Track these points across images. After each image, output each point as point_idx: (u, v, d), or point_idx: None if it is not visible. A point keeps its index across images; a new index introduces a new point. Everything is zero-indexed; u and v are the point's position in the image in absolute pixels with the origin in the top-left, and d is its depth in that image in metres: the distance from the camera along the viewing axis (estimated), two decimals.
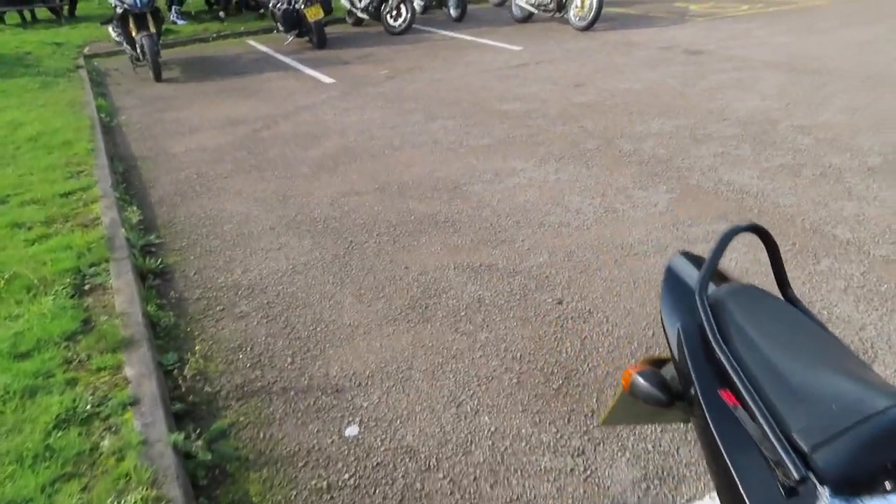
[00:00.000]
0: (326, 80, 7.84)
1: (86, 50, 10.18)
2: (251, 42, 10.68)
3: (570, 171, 4.75)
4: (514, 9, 10.83)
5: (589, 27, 9.54)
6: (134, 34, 8.13)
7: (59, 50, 10.06)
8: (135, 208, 4.38)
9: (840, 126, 5.33)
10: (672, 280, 1.30)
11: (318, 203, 4.46)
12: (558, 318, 3.14)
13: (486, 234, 3.92)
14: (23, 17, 12.81)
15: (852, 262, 3.50)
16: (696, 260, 1.35)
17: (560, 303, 3.24)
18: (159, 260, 3.75)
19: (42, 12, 12.99)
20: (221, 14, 11.86)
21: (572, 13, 9.73)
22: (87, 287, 3.36)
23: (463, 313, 3.19)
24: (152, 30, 8.15)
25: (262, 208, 4.43)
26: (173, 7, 11.79)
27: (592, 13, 9.40)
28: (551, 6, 10.02)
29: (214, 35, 11.05)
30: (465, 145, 5.39)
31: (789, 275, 3.56)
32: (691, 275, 1.28)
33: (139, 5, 7.94)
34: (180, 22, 11.70)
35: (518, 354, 2.90)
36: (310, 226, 4.14)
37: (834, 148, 4.92)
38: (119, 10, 8.08)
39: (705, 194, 4.32)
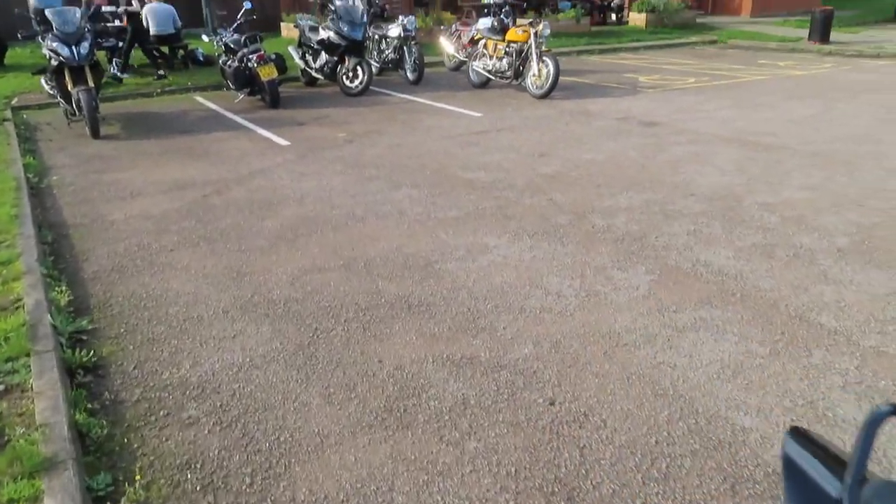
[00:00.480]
0: (281, 141, 7.51)
1: (14, 101, 9.57)
2: (199, 98, 10.30)
3: (544, 249, 4.53)
4: (471, 74, 10.85)
5: (546, 95, 9.60)
6: (70, 88, 7.64)
7: None
8: (64, 287, 3.88)
9: (802, 204, 5.33)
10: (796, 477, 1.01)
11: (276, 282, 4.07)
12: (552, 422, 2.82)
13: (464, 321, 3.61)
14: None
15: (844, 355, 3.34)
16: (814, 445, 1.07)
17: (552, 404, 2.94)
18: (91, 351, 3.26)
19: None
20: (161, 72, 11.45)
21: (529, 81, 9.78)
22: (1, 388, 2.86)
23: (447, 417, 2.85)
24: (90, 84, 7.68)
25: (214, 287, 4.00)
26: (114, 60, 11.31)
27: (549, 82, 9.47)
28: (508, 73, 10.07)
29: (159, 90, 10.62)
30: (433, 217, 5.12)
31: (784, 367, 3.40)
32: (821, 471, 0.99)
33: (77, 58, 7.48)
34: (122, 76, 11.21)
35: (513, 469, 2.56)
36: (268, 309, 3.74)
37: (801, 227, 4.88)
38: (54, 63, 7.59)
39: (685, 276, 4.15)
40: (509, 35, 10.10)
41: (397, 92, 10.58)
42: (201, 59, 12.51)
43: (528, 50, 9.82)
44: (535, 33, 9.66)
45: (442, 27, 13.62)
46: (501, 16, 11.74)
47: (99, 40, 11.13)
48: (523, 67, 10.00)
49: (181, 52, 12.32)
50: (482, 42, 10.65)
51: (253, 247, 4.60)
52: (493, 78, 10.45)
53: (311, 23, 11.30)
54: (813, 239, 4.69)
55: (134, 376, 3.12)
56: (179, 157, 6.91)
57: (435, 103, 9.57)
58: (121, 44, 11.43)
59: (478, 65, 10.63)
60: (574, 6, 18.78)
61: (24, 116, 9.09)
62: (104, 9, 11.86)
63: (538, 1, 19.38)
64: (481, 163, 6.52)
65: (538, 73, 9.64)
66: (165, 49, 12.16)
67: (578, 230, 4.86)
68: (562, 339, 3.44)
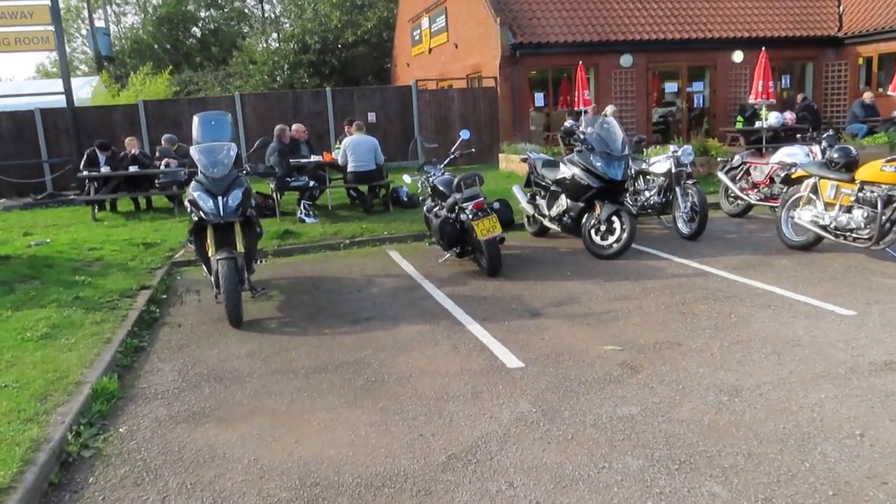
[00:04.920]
0: (508, 358, 4.33)
1: (178, 254, 7.65)
2: (393, 255, 7.70)
3: None
4: (785, 229, 7.11)
5: None
6: (210, 253, 5.28)
7: (141, 255, 7.57)
8: None
9: None
10: None
11: None
12: None
13: None
14: (136, 204, 11.03)
15: None
16: None
17: None
18: None
19: (159, 199, 11.17)
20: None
21: None
22: None
23: None
24: (239, 248, 5.26)
25: None
26: (302, 202, 9.31)
27: None
28: (866, 233, 6.19)
29: (348, 241, 8.26)
30: None
31: None
32: None
33: (221, 213, 5.11)
34: (309, 220, 9.13)
35: None
36: None
37: None
38: (195, 218, 5.31)
39: None
40: (865, 173, 6.32)
41: (668, 253, 7.13)
42: (405, 199, 10.21)
43: None
44: None
45: (720, 158, 10.12)
46: (826, 141, 8.05)
47: (287, 179, 9.29)
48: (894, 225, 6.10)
49: (382, 191, 10.14)
50: (808, 183, 6.94)
51: None
52: (828, 236, 6.62)
53: (545, 156, 8.50)
54: None
55: None
56: (333, 390, 3.97)
57: (746, 280, 5.92)
58: (313, 183, 9.48)
59: (801, 216, 6.88)
60: (872, 130, 14.31)
61: (178, 278, 7.03)
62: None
63: (813, 122, 15.23)
64: None
65: None
66: (364, 188, 10.04)
67: None
68: None
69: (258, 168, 6.25)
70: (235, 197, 5.18)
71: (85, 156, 10.65)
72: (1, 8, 11.62)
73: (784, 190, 8.22)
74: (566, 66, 16.59)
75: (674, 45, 17.17)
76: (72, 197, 12.22)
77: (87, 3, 26.57)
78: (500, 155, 15.29)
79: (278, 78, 26.95)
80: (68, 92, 12.14)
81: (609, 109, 13.37)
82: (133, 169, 10.36)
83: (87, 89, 18.12)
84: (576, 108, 14.72)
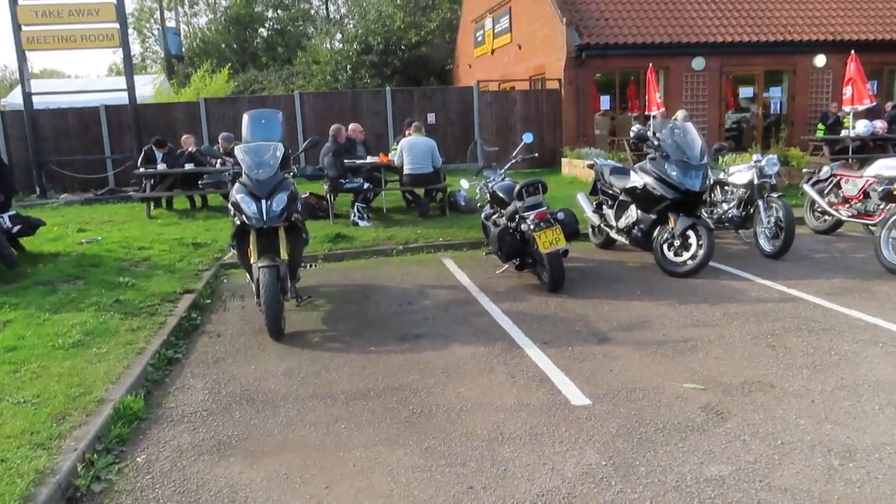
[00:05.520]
0: (572, 392, 3.82)
1: (227, 256, 7.41)
2: (448, 263, 7.27)
3: None
4: (885, 250, 6.31)
5: None
6: (252, 259, 4.96)
7: (189, 255, 7.38)
8: None
9: None
10: None
11: None
12: None
13: None
14: (192, 202, 10.95)
15: None
16: None
17: None
18: None
19: (214, 198, 11.05)
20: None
21: None
22: None
23: None
24: (283, 255, 4.93)
25: None
26: (356, 205, 8.98)
27: None
28: None
29: (401, 247, 7.88)
30: None
31: None
32: None
33: (264, 218, 4.78)
34: (362, 224, 8.79)
35: None
36: None
37: None
38: (237, 222, 5.01)
39: None
40: None
41: (750, 272, 6.44)
42: (463, 203, 9.77)
43: None
44: None
45: (804, 169, 9.30)
46: None
47: (341, 180, 8.99)
48: None
49: (439, 195, 9.72)
50: None
51: None
52: None
53: (613, 163, 7.91)
54: None
55: None
56: (374, 422, 3.55)
57: (843, 309, 5.22)
58: (367, 185, 9.15)
59: None
60: None
61: (225, 281, 6.80)
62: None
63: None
64: None
65: None
66: (421, 191, 9.66)
67: None
68: None
69: (307, 170, 5.96)
70: (280, 201, 4.85)
71: (142, 153, 10.67)
72: (68, 6, 11.81)
73: (881, 206, 7.43)
74: (634, 69, 15.85)
75: (750, 47, 16.18)
76: (130, 193, 12.31)
77: (160, 3, 27.22)
78: (563, 160, 14.69)
79: (340, 78, 26.97)
80: (131, 89, 12.24)
81: (679, 114, 12.58)
82: (189, 167, 10.29)
83: (150, 87, 18.42)
84: (646, 113, 14.01)
